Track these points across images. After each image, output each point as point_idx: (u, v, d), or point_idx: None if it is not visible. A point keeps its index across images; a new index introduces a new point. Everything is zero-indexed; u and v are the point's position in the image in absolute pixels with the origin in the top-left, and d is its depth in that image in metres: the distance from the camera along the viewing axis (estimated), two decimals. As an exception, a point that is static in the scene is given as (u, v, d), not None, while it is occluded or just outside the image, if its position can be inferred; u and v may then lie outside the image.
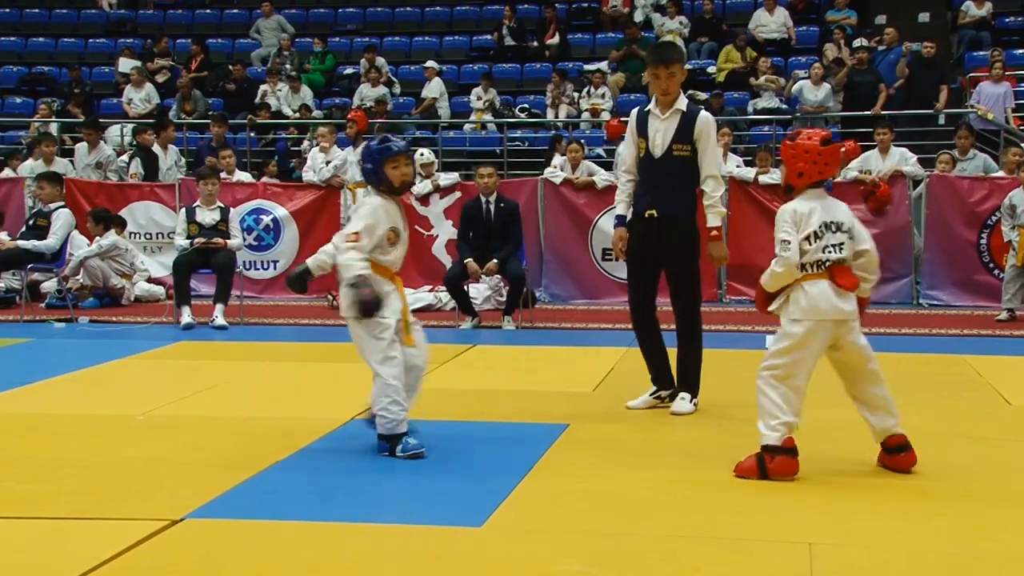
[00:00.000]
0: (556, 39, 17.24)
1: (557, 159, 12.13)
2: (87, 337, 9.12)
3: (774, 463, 4.61)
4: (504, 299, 9.92)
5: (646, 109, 6.00)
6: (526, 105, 16.09)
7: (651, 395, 6.12)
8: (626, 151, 6.18)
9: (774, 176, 11.08)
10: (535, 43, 17.43)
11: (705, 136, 5.81)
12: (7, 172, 12.48)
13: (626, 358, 7.56)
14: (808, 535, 3.97)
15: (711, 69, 16.21)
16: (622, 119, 13.55)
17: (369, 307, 4.92)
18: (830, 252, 4.62)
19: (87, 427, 5.66)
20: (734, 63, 15.98)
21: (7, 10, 19.63)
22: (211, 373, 7.23)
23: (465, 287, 9.80)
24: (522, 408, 6.06)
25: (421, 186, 11.18)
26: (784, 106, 14.88)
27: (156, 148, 12.30)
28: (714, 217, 5.88)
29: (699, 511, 4.29)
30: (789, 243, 4.59)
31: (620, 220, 6.08)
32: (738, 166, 11.58)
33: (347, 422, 5.73)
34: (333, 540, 3.94)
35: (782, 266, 4.62)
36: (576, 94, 15.79)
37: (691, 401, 5.99)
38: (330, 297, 10.64)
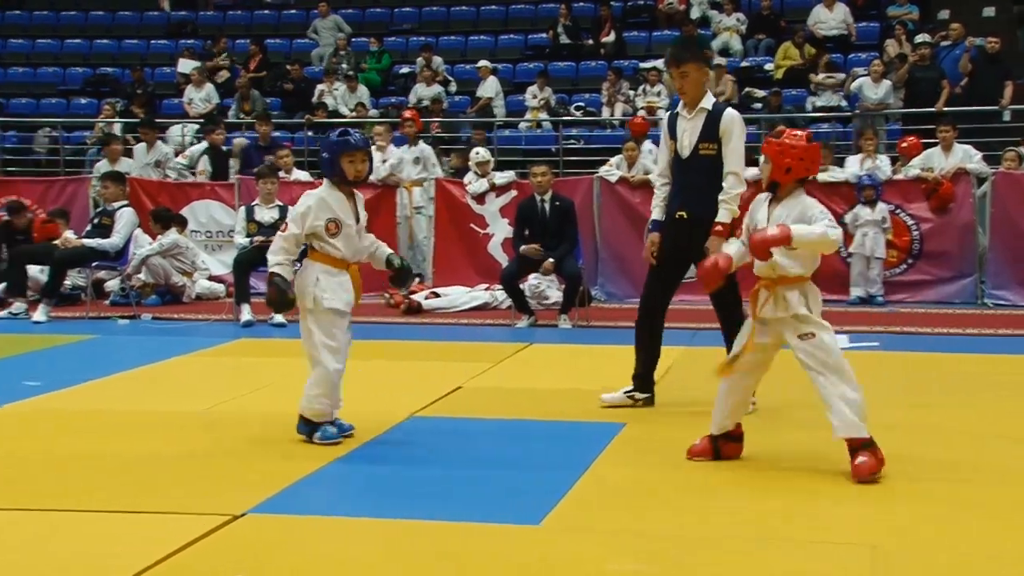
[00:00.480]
0: (611, 37, 17.19)
1: (613, 157, 12.09)
2: (149, 334, 9.27)
3: (727, 448, 4.91)
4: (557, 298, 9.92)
5: (676, 111, 5.99)
6: (581, 103, 16.06)
7: (625, 393, 6.05)
8: (660, 154, 6.18)
9: (834, 174, 10.95)
10: (590, 41, 17.39)
11: (729, 133, 5.75)
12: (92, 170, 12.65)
13: (683, 357, 7.52)
14: (870, 537, 3.93)
15: (768, 66, 16.06)
16: (646, 117, 13.56)
17: (273, 304, 5.18)
18: None
19: (149, 423, 5.75)
20: (792, 60, 15.81)
21: (73, 13, 20.01)
22: (270, 370, 7.31)
23: (521, 285, 9.80)
24: (579, 407, 6.05)
25: (477, 185, 11.22)
26: (843, 103, 14.69)
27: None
28: (724, 213, 5.77)
29: (756, 512, 4.25)
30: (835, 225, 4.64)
31: (655, 225, 6.08)
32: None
33: (405, 419, 5.77)
34: (392, 537, 3.97)
35: (836, 237, 4.63)
36: (632, 92, 15.73)
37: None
38: (387, 296, 10.70)
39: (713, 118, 5.78)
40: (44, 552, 3.82)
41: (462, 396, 6.36)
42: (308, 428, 5.24)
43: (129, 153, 12.89)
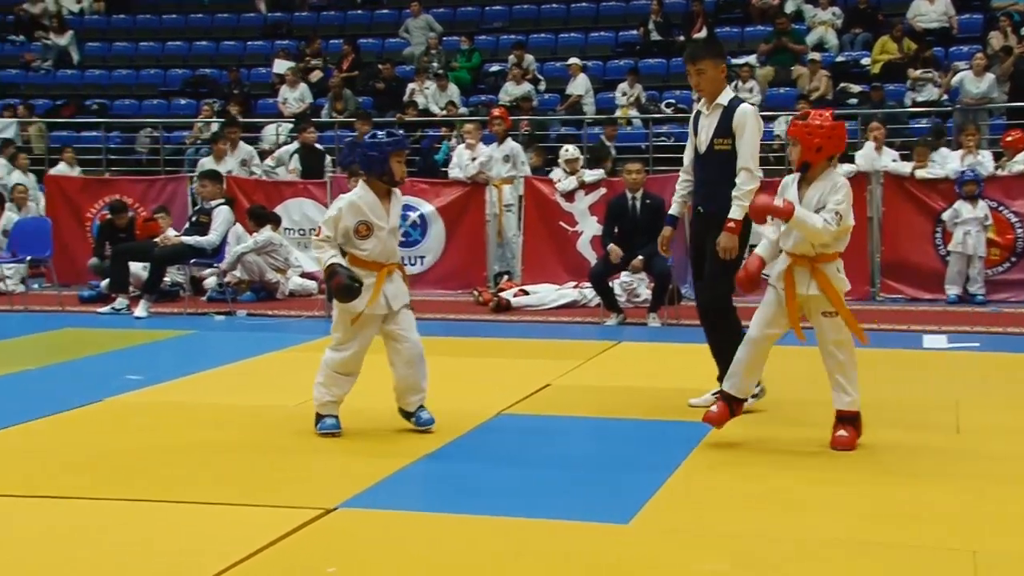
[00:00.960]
0: (703, 33, 16.99)
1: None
2: (244, 330, 9.46)
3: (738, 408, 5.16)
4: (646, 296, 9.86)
5: (698, 108, 6.02)
6: (672, 100, 15.92)
7: (713, 394, 5.90)
8: (686, 151, 6.20)
9: (934, 171, 10.68)
10: (682, 37, 17.23)
11: (742, 128, 5.72)
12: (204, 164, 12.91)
13: (774, 357, 7.40)
14: (971, 542, 3.82)
15: (865, 61, 15.72)
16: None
17: (344, 291, 5.15)
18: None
19: (244, 417, 5.88)
20: (890, 54, 15.44)
21: (174, 16, 20.52)
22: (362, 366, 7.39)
23: (610, 283, 9.77)
24: (667, 406, 6.01)
25: (566, 182, 11.20)
26: (944, 98, 14.30)
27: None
28: (736, 209, 5.68)
29: (852, 514, 4.17)
30: (842, 217, 4.91)
31: (668, 219, 6.21)
32: (893, 160, 11.19)
33: (493, 416, 5.80)
34: (480, 533, 3.99)
35: (828, 235, 4.91)
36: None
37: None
38: (476, 293, 10.76)
39: (728, 113, 5.79)
40: (141, 542, 3.93)
41: (550, 394, 6.37)
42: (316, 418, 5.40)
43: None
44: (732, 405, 5.19)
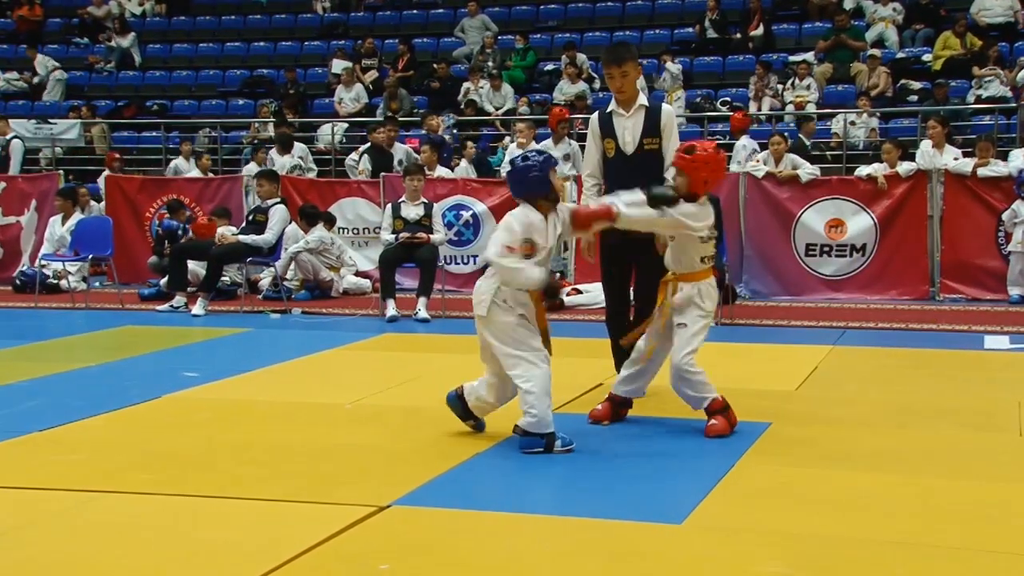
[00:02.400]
0: (760, 30, 16.84)
1: (760, 153, 11.86)
2: (299, 328, 9.54)
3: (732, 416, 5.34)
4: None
5: (608, 110, 6.10)
6: (728, 98, 15.78)
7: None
8: (589, 155, 6.24)
9: (996, 169, 10.47)
10: (738, 35, 17.08)
11: (670, 128, 5.98)
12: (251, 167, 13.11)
13: (831, 356, 7.31)
14: (1032, 549, 3.74)
15: (926, 57, 15.45)
16: (747, 113, 13.28)
17: (554, 290, 5.29)
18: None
19: (299, 414, 5.93)
20: (952, 50, 15.16)
21: (232, 17, 20.78)
22: (414, 365, 7.43)
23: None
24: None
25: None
26: (1009, 94, 14.02)
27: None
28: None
29: (909, 516, 4.10)
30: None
31: None
32: (955, 159, 10.99)
33: (546, 416, 5.77)
34: (534, 532, 3.98)
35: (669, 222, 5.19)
36: (780, 86, 15.37)
37: None
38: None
39: (653, 113, 5.99)
40: (195, 538, 3.98)
41: (604, 393, 6.33)
42: (541, 442, 5.05)
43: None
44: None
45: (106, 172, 13.58)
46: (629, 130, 5.99)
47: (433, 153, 12.08)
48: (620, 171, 5.98)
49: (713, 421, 5.32)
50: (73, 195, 12.19)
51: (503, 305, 5.06)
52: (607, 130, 6.06)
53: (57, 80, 19.12)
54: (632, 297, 6.28)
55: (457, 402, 5.36)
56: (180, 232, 11.34)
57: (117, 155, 14.59)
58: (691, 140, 5.71)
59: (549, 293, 5.15)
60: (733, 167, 11.66)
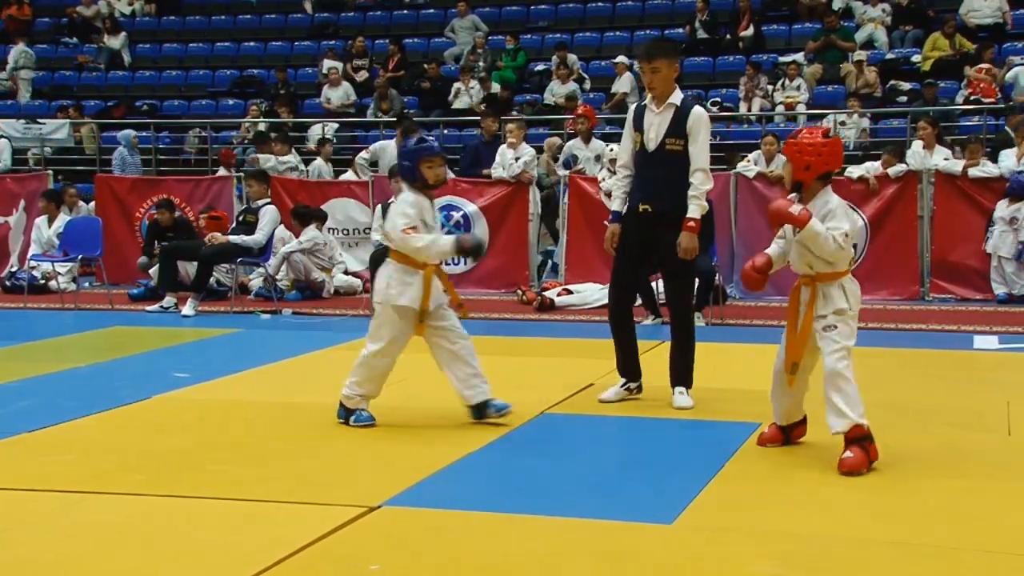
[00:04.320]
0: (750, 31, 16.87)
1: (751, 153, 11.88)
2: (290, 328, 9.53)
3: (873, 449, 4.68)
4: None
5: (643, 104, 6.03)
6: (718, 99, 15.80)
7: (622, 387, 6.13)
8: (623, 146, 6.20)
9: (986, 169, 10.51)
10: (728, 36, 17.11)
11: (696, 130, 5.82)
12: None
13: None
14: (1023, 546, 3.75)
15: (915, 58, 15.49)
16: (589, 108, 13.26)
17: (479, 247, 5.73)
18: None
19: (290, 415, 5.92)
20: (941, 51, 15.20)
21: (222, 17, 20.73)
22: (404, 365, 7.37)
23: (652, 283, 9.71)
24: (713, 406, 5.96)
25: (611, 181, 11.11)
26: (998, 95, 14.06)
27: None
28: (695, 208, 5.81)
29: (899, 516, 4.12)
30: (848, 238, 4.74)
31: (615, 216, 6.11)
32: (945, 159, 11.03)
33: (537, 415, 5.79)
34: (525, 532, 3.98)
35: (834, 249, 4.70)
36: (770, 87, 15.40)
37: (687, 395, 5.96)
38: (520, 292, 10.75)
39: (681, 114, 5.85)
40: (186, 538, 3.97)
41: (593, 393, 6.34)
42: (345, 413, 5.57)
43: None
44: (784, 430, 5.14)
45: (220, 170, 13.35)
46: (655, 127, 5.89)
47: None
48: (641, 167, 5.96)
49: (848, 453, 4.66)
50: (57, 197, 12.16)
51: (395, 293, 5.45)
52: (638, 124, 5.99)
53: (23, 79, 19.05)
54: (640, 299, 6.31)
55: (477, 412, 5.53)
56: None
57: (234, 152, 14.34)
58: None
59: (472, 251, 5.68)
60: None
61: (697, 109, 5.92)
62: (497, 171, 11.78)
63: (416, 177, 5.48)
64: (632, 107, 6.17)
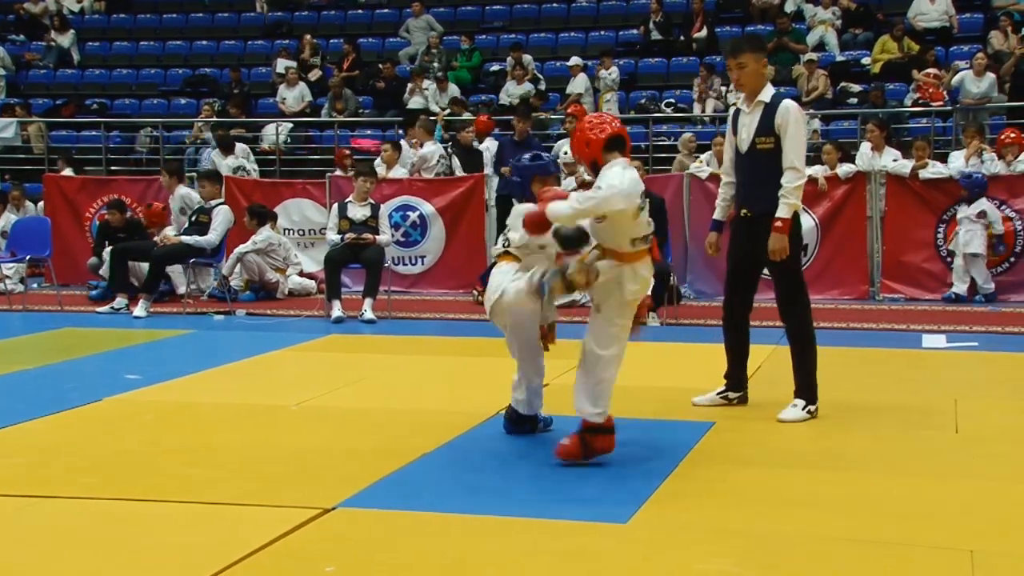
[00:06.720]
0: (703, 32, 17.00)
1: (704, 154, 11.97)
2: (243, 329, 9.45)
3: (598, 441, 4.84)
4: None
5: (738, 106, 5.85)
6: (672, 100, 15.91)
7: (718, 394, 5.99)
8: (725, 151, 6.05)
9: (934, 170, 10.68)
10: (682, 37, 17.23)
11: (785, 126, 5.57)
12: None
13: (773, 356, 7.40)
14: (968, 542, 3.82)
15: (865, 60, 15.71)
16: (490, 116, 13.42)
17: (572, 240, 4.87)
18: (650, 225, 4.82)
19: (244, 416, 5.88)
20: (890, 54, 15.43)
21: (174, 15, 20.51)
22: (360, 366, 7.40)
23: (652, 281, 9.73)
24: (667, 405, 6.01)
25: (565, 183, 11.18)
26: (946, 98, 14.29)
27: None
28: (783, 208, 5.55)
29: (850, 513, 4.17)
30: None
31: (713, 225, 6.06)
32: (895, 160, 11.18)
33: (492, 416, 5.79)
34: (479, 533, 3.99)
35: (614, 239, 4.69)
36: (724, 88, 15.52)
37: (804, 409, 5.69)
38: (475, 292, 10.75)
39: (770, 111, 5.61)
40: (140, 542, 3.93)
41: (549, 393, 6.34)
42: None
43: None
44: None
45: (336, 171, 12.92)
46: (746, 127, 5.67)
47: (395, 152, 12.05)
48: (737, 170, 5.80)
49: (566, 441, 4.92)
50: (2, 196, 11.97)
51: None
52: (734, 126, 5.79)
53: None
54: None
55: (513, 424, 5.46)
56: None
57: (348, 152, 13.62)
58: (634, 143, 5.66)
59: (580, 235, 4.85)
60: (488, 171, 11.82)
61: (786, 103, 5.64)
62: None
63: (526, 196, 5.13)
64: (731, 110, 5.94)
